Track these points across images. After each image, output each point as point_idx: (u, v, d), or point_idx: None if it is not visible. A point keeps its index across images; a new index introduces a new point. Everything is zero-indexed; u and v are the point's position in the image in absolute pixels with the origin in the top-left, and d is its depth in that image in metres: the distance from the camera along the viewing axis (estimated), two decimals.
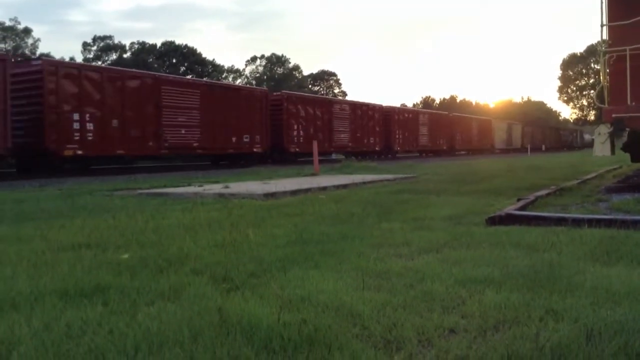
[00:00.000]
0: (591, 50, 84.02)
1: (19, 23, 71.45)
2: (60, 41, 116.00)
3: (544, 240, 4.61)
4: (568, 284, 3.23)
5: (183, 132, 21.82)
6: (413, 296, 3.07)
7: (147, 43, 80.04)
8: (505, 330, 2.56)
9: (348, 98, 73.27)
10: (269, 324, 2.56)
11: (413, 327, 2.58)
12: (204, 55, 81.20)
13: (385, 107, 38.34)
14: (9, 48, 66.34)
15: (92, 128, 18.46)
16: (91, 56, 77.84)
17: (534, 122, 77.18)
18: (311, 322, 2.60)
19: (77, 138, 18.10)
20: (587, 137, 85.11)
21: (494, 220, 5.67)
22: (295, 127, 28.24)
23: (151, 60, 75.55)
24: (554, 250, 4.25)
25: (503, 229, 5.28)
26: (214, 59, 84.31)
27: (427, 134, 42.52)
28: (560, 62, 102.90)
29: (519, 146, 60.28)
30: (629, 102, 8.56)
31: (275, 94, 29.75)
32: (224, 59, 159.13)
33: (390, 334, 2.52)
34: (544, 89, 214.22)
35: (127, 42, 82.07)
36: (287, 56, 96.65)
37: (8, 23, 70.30)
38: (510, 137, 59.62)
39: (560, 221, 5.46)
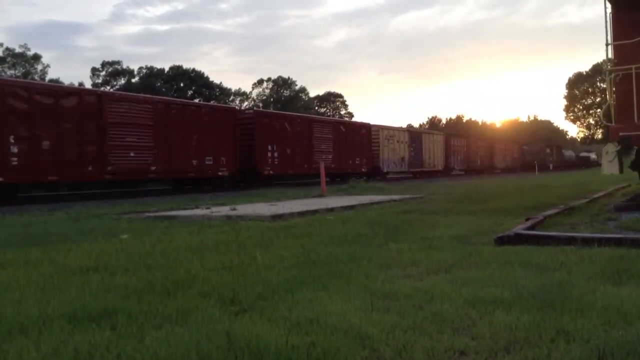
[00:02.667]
0: (597, 69, 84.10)
1: (29, 49, 72.55)
2: (69, 67, 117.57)
3: (553, 259, 4.58)
4: (579, 304, 3.20)
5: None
6: (422, 317, 3.04)
7: (155, 67, 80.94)
8: (516, 351, 2.53)
9: (355, 119, 73.63)
10: (277, 346, 2.54)
11: (423, 349, 2.56)
12: (211, 79, 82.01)
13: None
14: (18, 74, 67.22)
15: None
16: (100, 81, 78.74)
17: (468, 134, 55.38)
18: (320, 344, 2.58)
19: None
20: (568, 154, 73.46)
21: (502, 240, 5.64)
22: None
23: (159, 84, 76.31)
24: (563, 270, 4.21)
25: (512, 249, 5.25)
26: (221, 82, 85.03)
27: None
28: (566, 81, 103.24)
29: (441, 167, 42.42)
30: (635, 120, 8.56)
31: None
32: (231, 82, 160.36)
33: (400, 356, 2.50)
34: (551, 108, 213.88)
35: (135, 67, 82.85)
36: (294, 78, 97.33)
37: (18, 49, 71.40)
38: (420, 153, 39.54)
39: (569, 240, 5.42)
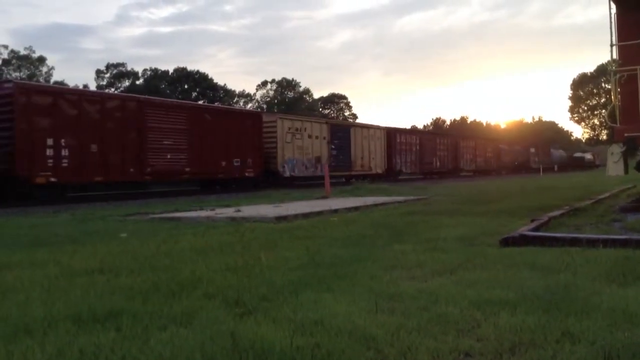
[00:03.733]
0: (601, 70, 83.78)
1: (34, 52, 73.04)
2: (74, 69, 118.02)
3: (558, 261, 4.57)
4: (584, 305, 3.19)
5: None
6: (427, 319, 3.04)
7: (160, 69, 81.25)
8: (521, 353, 2.52)
9: (359, 120, 73.61)
10: (282, 348, 2.54)
11: (428, 350, 2.56)
12: (215, 81, 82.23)
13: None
14: (24, 76, 67.58)
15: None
16: (104, 83, 79.06)
17: (421, 130, 44.16)
18: (324, 346, 2.58)
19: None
20: (557, 154, 66.51)
21: (507, 241, 5.63)
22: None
23: (163, 86, 76.58)
24: (569, 271, 4.20)
25: (517, 250, 5.24)
26: (225, 84, 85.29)
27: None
28: (571, 82, 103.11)
29: (381, 170, 33.78)
30: None
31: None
32: (235, 84, 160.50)
33: (404, 357, 2.50)
34: (556, 109, 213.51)
35: (139, 69, 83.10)
36: (298, 80, 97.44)
37: (23, 52, 71.81)
38: (347, 153, 30.99)
39: (574, 242, 5.41)
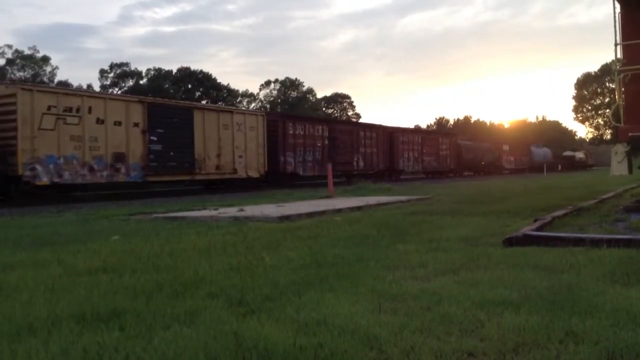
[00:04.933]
0: (606, 69, 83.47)
1: (38, 51, 73.06)
2: (78, 68, 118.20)
3: (562, 261, 4.56)
4: (588, 305, 3.19)
5: None
6: (430, 319, 3.03)
7: (163, 69, 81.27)
8: (525, 353, 2.52)
9: (361, 120, 73.46)
10: (285, 348, 2.55)
11: (431, 350, 2.55)
12: (218, 80, 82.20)
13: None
14: (27, 76, 67.71)
15: None
16: (108, 83, 79.15)
17: (331, 119, 31.50)
18: (327, 346, 2.58)
19: None
20: (541, 153, 60.43)
21: (511, 241, 5.62)
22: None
23: (167, 86, 76.64)
24: (572, 271, 4.20)
25: (520, 250, 5.23)
26: (228, 84, 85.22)
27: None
28: (575, 81, 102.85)
29: (258, 173, 24.18)
30: None
31: None
32: (239, 84, 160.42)
33: (407, 357, 2.49)
34: (560, 108, 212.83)
35: (143, 69, 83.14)
36: (301, 79, 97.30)
37: (27, 52, 71.92)
38: (189, 147, 21.07)
39: (578, 242, 5.40)
